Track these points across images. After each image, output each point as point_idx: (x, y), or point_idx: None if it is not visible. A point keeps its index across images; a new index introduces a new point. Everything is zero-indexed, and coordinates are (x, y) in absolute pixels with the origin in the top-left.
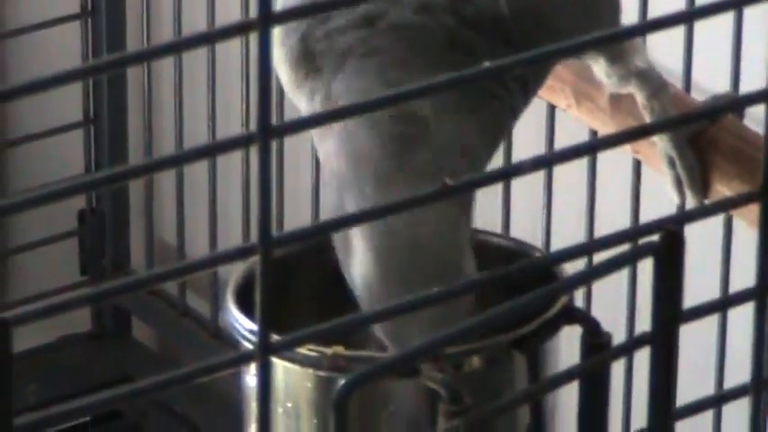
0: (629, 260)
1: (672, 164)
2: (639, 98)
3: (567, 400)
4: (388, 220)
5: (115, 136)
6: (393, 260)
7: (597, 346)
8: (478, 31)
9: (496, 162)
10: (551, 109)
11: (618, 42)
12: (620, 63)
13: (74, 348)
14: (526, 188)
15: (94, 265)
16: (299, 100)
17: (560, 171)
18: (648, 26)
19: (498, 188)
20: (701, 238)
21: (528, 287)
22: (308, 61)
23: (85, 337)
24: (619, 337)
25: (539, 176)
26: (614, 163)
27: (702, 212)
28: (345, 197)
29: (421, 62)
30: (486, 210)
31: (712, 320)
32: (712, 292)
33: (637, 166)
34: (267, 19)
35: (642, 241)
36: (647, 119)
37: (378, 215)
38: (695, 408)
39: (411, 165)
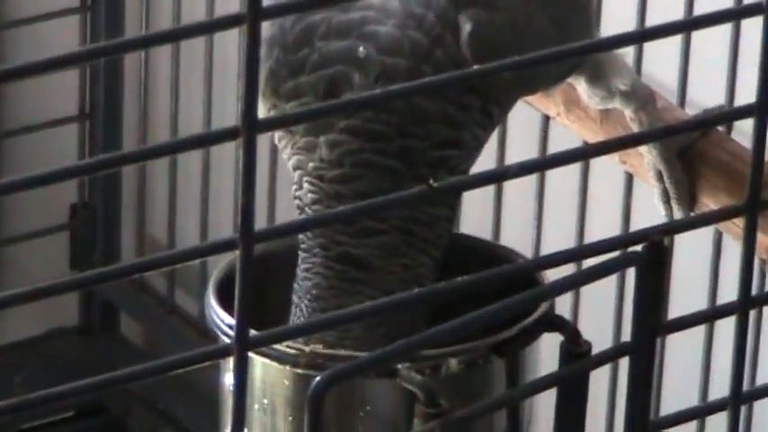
0: (612, 269)
1: (660, 177)
2: (627, 112)
3: (545, 406)
4: None
5: (110, 130)
6: None
7: (577, 354)
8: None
9: (487, 166)
10: (545, 118)
11: (612, 50)
12: (601, 84)
13: (61, 342)
14: (517, 196)
15: (85, 259)
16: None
17: (551, 180)
18: (643, 35)
19: (490, 195)
20: (692, 251)
21: (513, 293)
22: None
23: (73, 331)
24: (605, 346)
25: (530, 185)
26: (606, 174)
27: (687, 225)
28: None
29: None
30: (476, 216)
31: (699, 332)
32: (702, 305)
33: (628, 177)
34: (256, 13)
35: (628, 251)
36: (636, 131)
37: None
38: (674, 420)
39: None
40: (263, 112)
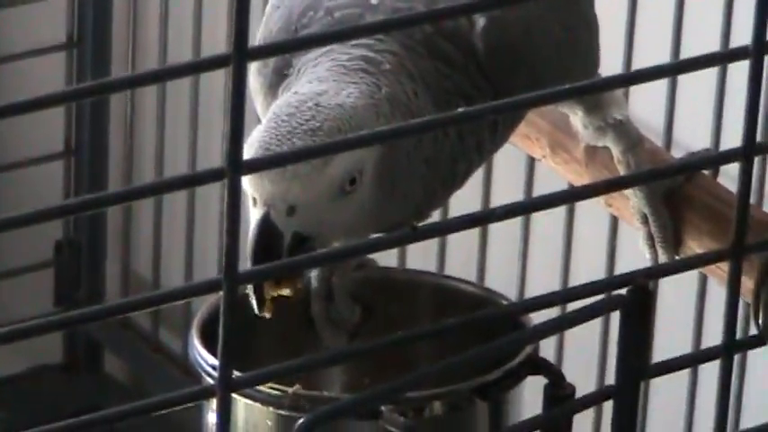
0: (597, 312)
1: (645, 220)
2: (615, 152)
3: None
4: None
5: (95, 168)
6: None
7: (560, 397)
8: (455, 46)
9: (472, 206)
10: (530, 159)
11: (597, 93)
12: (598, 114)
13: (45, 379)
14: (502, 238)
15: (69, 297)
16: None
17: (537, 222)
18: (629, 78)
19: (475, 236)
20: (676, 293)
21: (498, 336)
22: (282, 72)
23: (57, 369)
24: (589, 388)
25: (515, 226)
26: (591, 216)
27: (672, 268)
28: None
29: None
30: (461, 256)
31: (684, 374)
32: (686, 347)
33: (613, 219)
34: (242, 54)
35: (613, 294)
36: (622, 173)
37: None
38: None
39: None
40: (255, 68)
